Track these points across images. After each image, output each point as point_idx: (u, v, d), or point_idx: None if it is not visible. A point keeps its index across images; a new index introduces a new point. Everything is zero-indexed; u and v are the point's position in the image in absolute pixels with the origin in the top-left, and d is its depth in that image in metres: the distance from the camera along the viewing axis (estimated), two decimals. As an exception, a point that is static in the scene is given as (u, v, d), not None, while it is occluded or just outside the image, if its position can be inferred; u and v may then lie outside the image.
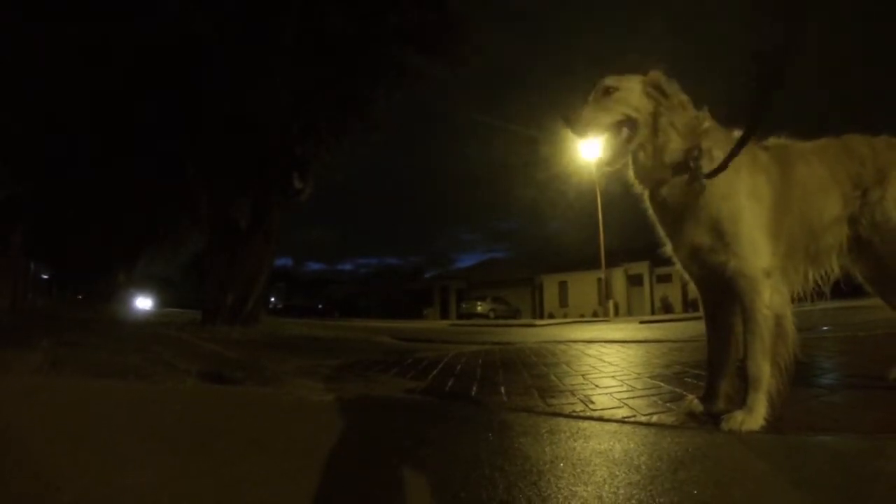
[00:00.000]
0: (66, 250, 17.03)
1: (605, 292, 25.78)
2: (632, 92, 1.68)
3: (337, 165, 9.79)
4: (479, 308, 30.92)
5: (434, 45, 8.81)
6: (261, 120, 8.22)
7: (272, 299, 38.87)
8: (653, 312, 26.05)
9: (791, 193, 1.70)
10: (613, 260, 26.11)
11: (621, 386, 2.45)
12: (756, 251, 1.59)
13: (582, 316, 27.38)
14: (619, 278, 29.41)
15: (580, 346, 4.83)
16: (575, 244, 32.43)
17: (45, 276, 27.85)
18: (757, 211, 1.61)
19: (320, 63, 8.30)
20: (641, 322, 14.70)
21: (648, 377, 2.67)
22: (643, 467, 1.25)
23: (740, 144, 1.53)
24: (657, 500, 1.04)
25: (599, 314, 25.82)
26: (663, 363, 3.27)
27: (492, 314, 29.92)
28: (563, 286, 33.24)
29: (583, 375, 2.87)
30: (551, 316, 30.34)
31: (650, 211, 1.78)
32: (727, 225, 1.59)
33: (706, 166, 1.61)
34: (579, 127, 1.67)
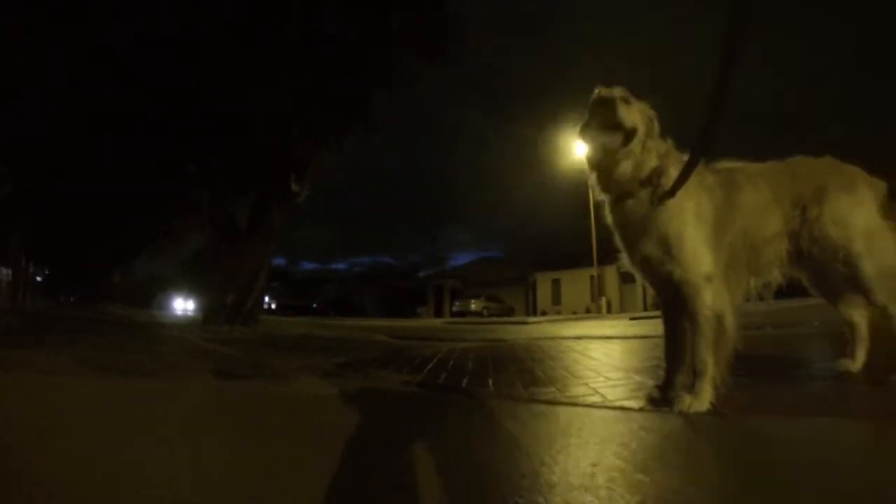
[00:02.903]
0: (65, 250, 17.08)
1: (597, 290, 26.10)
2: (638, 111, 1.88)
3: (336, 166, 9.93)
4: (472, 306, 31.10)
5: (434, 45, 8.93)
6: (261, 120, 8.32)
7: (265, 298, 38.78)
8: (645, 309, 26.36)
9: (734, 212, 1.95)
10: (606, 258, 26.37)
11: (598, 377, 2.70)
12: (698, 261, 1.84)
13: (575, 313, 27.68)
14: (611, 276, 29.72)
15: (568, 343, 5.01)
16: (568, 242, 32.72)
17: (44, 276, 27.78)
18: (700, 227, 1.87)
19: (320, 63, 8.40)
20: (632, 318, 14.99)
21: (625, 370, 2.91)
22: (600, 440, 1.51)
23: (686, 171, 1.78)
24: (605, 461, 1.30)
25: (592, 311, 26.12)
26: (642, 357, 3.52)
27: (485, 312, 30.14)
28: (556, 284, 33.54)
29: (565, 368, 3.12)
30: (544, 314, 30.61)
31: (610, 218, 1.99)
32: (674, 240, 1.85)
33: (666, 185, 1.86)
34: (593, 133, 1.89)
